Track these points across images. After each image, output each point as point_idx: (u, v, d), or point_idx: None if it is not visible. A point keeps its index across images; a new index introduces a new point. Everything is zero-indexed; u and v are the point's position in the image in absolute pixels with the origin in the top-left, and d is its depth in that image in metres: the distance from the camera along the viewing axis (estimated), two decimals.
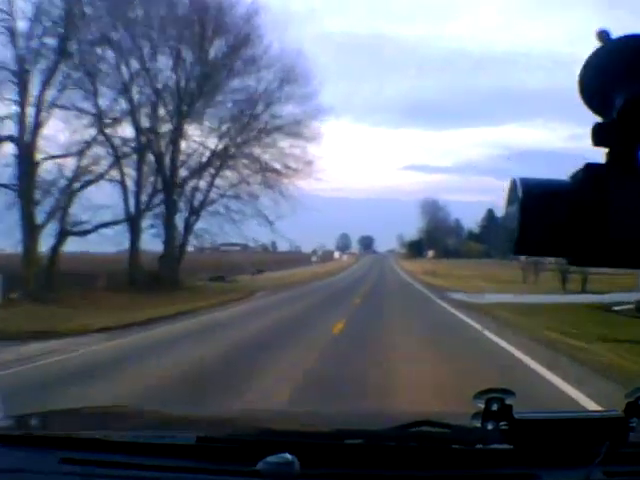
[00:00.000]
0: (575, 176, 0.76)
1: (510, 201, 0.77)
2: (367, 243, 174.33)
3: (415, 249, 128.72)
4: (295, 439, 1.41)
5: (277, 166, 29.34)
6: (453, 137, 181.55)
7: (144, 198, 26.89)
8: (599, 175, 0.73)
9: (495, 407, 1.15)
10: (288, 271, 48.97)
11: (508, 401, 1.16)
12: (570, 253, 0.76)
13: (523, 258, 31.24)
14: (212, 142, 28.49)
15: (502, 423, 1.15)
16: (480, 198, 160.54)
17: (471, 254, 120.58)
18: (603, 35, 0.75)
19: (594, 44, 0.75)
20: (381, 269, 64.10)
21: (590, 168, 0.73)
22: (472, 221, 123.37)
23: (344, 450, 1.32)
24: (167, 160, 27.24)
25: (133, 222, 26.36)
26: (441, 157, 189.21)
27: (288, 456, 1.20)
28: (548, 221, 0.74)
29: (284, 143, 29.25)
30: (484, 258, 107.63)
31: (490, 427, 1.15)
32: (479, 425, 1.16)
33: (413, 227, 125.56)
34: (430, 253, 74.76)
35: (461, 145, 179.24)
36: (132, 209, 26.29)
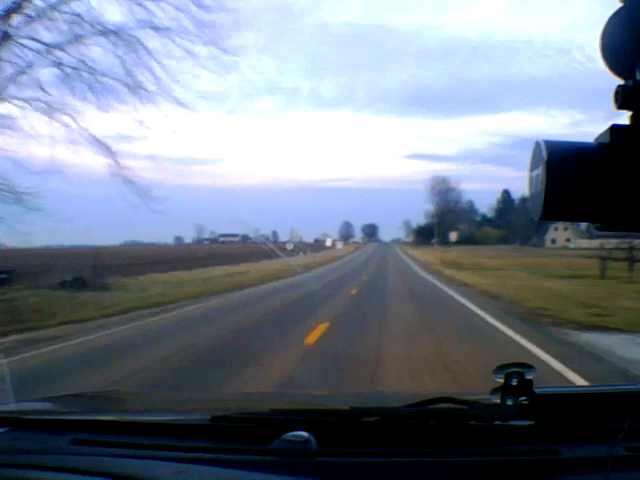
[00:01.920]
0: (600, 139, 0.74)
1: (534, 165, 0.76)
2: (371, 231, 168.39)
3: (424, 236, 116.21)
4: (311, 417, 1.37)
5: None
6: (456, 125, 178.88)
7: None
8: (624, 137, 0.72)
9: (515, 382, 1.14)
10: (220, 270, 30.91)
11: (528, 376, 1.14)
12: (597, 218, 0.74)
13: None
14: None
15: (522, 398, 1.14)
16: (484, 186, 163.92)
17: (487, 240, 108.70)
18: None
19: (615, 4, 0.74)
20: (384, 260, 50.11)
21: (615, 130, 0.73)
22: (480, 208, 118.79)
23: (361, 428, 1.30)
24: None
25: None
26: (444, 145, 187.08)
27: (304, 434, 1.20)
28: (574, 184, 0.72)
29: None
30: (501, 244, 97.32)
31: (509, 402, 1.14)
32: (498, 401, 1.15)
33: (418, 215, 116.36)
34: (453, 235, 61.79)
35: (464, 133, 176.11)
36: None
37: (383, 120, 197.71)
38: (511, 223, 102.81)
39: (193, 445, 1.30)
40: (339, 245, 62.96)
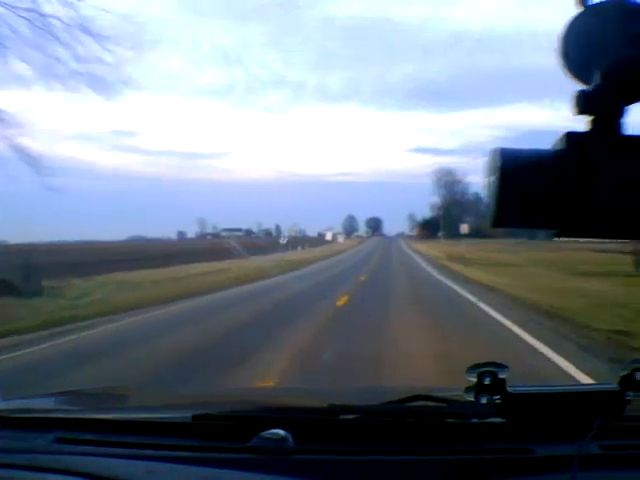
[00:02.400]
0: (556, 145, 0.75)
1: (490, 172, 0.77)
2: (375, 225, 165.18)
3: (429, 229, 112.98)
4: (289, 415, 1.41)
5: None
6: (459, 119, 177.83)
7: None
8: (582, 143, 0.73)
9: (487, 381, 1.15)
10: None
11: (501, 375, 1.16)
12: (555, 225, 0.75)
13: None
14: None
15: (495, 397, 1.16)
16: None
17: (494, 233, 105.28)
18: (582, 0, 0.76)
19: (572, 11, 0.76)
20: (387, 255, 46.38)
21: (572, 136, 0.73)
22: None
23: (339, 425, 1.31)
24: None
25: None
26: (448, 139, 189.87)
27: (281, 432, 1.21)
28: (529, 191, 0.73)
29: None
30: (507, 237, 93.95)
31: (484, 401, 1.16)
32: (473, 399, 1.16)
33: (423, 209, 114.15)
34: (464, 228, 58.46)
35: (467, 127, 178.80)
36: None
37: (387, 114, 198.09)
38: None
39: (174, 443, 1.31)
40: (340, 239, 59.29)
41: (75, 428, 1.45)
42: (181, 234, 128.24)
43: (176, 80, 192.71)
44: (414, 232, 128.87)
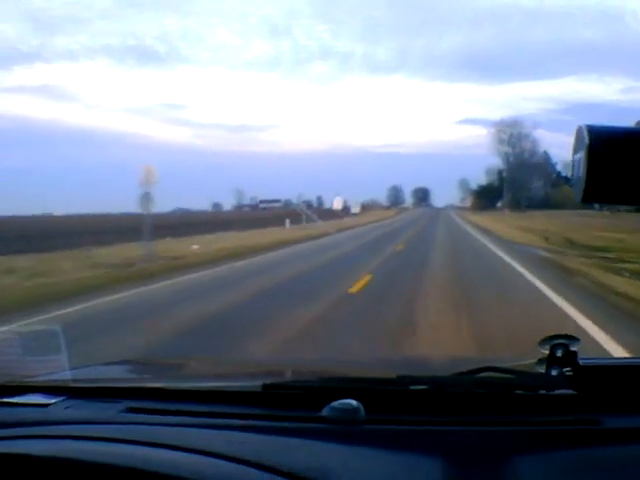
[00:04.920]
0: None
1: (576, 149, 0.79)
2: (422, 196, 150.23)
3: (485, 198, 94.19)
4: (359, 385, 1.43)
5: None
6: (508, 90, 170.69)
7: None
8: None
9: (559, 353, 1.17)
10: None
11: (572, 347, 1.17)
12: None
13: None
14: None
15: (566, 369, 1.17)
16: None
17: (568, 203, 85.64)
18: None
19: None
20: (430, 244, 23.21)
21: None
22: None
23: (408, 396, 1.33)
24: None
25: None
26: (497, 110, 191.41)
27: (353, 402, 1.21)
28: (616, 168, 0.75)
29: None
30: (583, 209, 74.68)
31: (554, 373, 1.18)
32: (543, 371, 1.19)
33: (472, 183, 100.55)
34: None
35: (516, 99, 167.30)
36: None
37: (436, 85, 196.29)
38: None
39: (245, 412, 1.32)
40: (356, 209, 41.51)
41: (145, 397, 1.45)
42: (216, 206, 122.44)
43: (224, 53, 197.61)
44: (466, 203, 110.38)
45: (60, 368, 1.72)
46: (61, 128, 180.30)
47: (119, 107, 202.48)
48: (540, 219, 45.48)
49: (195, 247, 19.51)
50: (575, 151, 0.79)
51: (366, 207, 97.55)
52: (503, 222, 40.83)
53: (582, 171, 0.75)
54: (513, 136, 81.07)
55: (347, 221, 41.15)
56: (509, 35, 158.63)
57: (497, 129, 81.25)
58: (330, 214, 46.07)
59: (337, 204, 36.56)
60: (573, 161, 0.80)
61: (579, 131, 0.77)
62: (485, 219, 49.04)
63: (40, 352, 1.83)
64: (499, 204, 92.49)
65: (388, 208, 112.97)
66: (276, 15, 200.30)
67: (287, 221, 34.74)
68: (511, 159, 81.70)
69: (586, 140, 0.75)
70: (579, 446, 1.15)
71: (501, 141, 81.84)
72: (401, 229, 35.00)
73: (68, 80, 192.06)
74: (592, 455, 1.11)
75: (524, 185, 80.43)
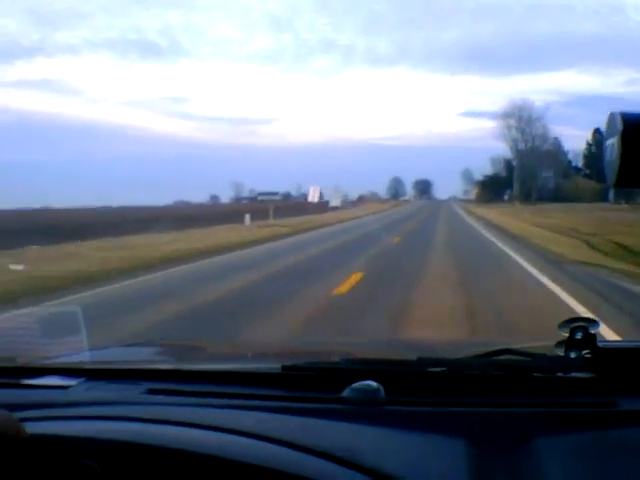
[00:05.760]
0: None
1: (609, 134, 0.82)
2: (423, 188, 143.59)
3: (492, 189, 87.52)
4: (379, 367, 1.43)
5: None
6: (511, 83, 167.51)
7: None
8: None
9: (579, 336, 1.16)
10: None
11: (592, 330, 1.17)
12: None
13: None
14: None
15: (585, 351, 1.17)
16: None
17: (581, 195, 78.88)
18: None
19: None
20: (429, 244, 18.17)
21: None
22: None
23: (427, 378, 1.34)
24: None
25: None
26: (499, 103, 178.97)
27: (373, 383, 1.23)
28: None
29: None
30: (598, 201, 67.95)
31: (573, 355, 1.17)
32: (562, 354, 1.19)
33: (476, 174, 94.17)
34: None
35: (519, 91, 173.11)
36: None
37: (438, 77, 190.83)
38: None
39: (266, 394, 1.33)
40: (335, 202, 34.13)
41: (165, 379, 1.46)
42: (214, 198, 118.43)
43: (226, 46, 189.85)
44: (471, 195, 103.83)
45: (79, 349, 1.73)
46: (63, 122, 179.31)
47: (121, 101, 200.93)
48: (558, 213, 39.36)
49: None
50: (607, 137, 0.82)
51: (362, 199, 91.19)
52: (518, 217, 34.36)
53: (616, 156, 0.78)
54: (522, 120, 73.35)
55: (316, 218, 33.34)
56: (511, 27, 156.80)
57: (504, 114, 73.81)
58: (300, 208, 39.06)
59: (313, 195, 29.26)
60: (605, 146, 0.83)
61: (612, 117, 0.81)
62: (495, 213, 42.30)
63: (59, 333, 1.82)
64: (506, 196, 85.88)
65: (386, 201, 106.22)
66: (278, 8, 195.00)
67: (247, 217, 28.48)
68: (520, 146, 74.09)
69: (619, 126, 0.78)
70: (596, 428, 1.14)
71: (509, 126, 74.13)
72: (387, 229, 25.84)
73: (70, 74, 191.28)
74: (609, 437, 1.11)
75: (535, 175, 73.46)
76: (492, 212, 44.88)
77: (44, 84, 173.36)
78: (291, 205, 46.91)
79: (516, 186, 67.27)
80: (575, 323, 1.16)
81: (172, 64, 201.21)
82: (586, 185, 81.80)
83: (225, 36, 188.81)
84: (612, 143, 0.80)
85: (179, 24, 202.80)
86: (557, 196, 75.48)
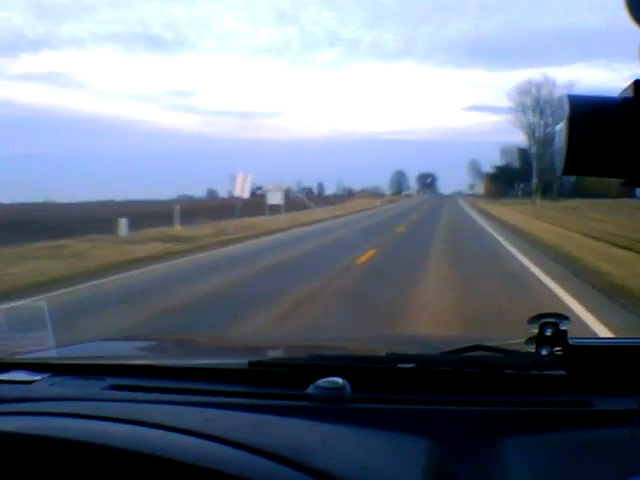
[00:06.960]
0: (623, 93, 0.75)
1: (558, 119, 0.78)
2: (427, 182, 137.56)
3: (502, 183, 76.96)
4: (346, 363, 1.40)
5: None
6: (517, 77, 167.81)
7: None
8: None
9: (549, 332, 1.15)
10: None
11: (562, 326, 1.15)
12: (624, 173, 0.74)
13: None
14: None
15: (556, 349, 1.15)
16: None
17: (604, 190, 68.69)
18: None
19: None
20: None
21: (638, 85, 0.73)
22: None
23: (396, 374, 1.32)
24: None
25: None
26: (505, 97, 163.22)
27: (339, 380, 1.21)
28: (597, 138, 0.73)
29: None
30: (623, 197, 57.17)
31: (544, 352, 1.16)
32: (533, 350, 1.17)
33: (484, 166, 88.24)
34: None
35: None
36: None
37: (443, 71, 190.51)
38: None
39: (230, 390, 1.31)
40: (275, 199, 22.82)
41: (129, 374, 1.44)
42: (211, 192, 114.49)
43: (231, 39, 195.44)
44: (478, 189, 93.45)
45: (46, 345, 1.72)
46: (68, 115, 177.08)
47: (126, 94, 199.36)
48: (592, 213, 30.67)
49: None
50: (556, 122, 0.78)
51: (351, 194, 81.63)
52: (558, 223, 23.59)
53: (563, 142, 0.73)
54: (541, 100, 60.87)
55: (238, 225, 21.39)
56: (516, 21, 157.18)
57: (518, 94, 62.33)
58: (220, 208, 28.50)
59: (241, 188, 18.79)
60: (554, 132, 0.77)
61: (561, 101, 0.76)
62: (517, 215, 31.39)
63: (26, 329, 1.81)
64: (519, 191, 75.42)
65: (383, 197, 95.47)
66: (283, 1, 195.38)
67: (123, 222, 18.30)
68: (538, 133, 61.93)
69: (566, 110, 0.73)
70: (569, 427, 1.15)
71: (524, 108, 61.90)
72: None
73: (75, 67, 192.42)
74: (581, 437, 1.11)
75: (549, 166, 62.65)
76: (512, 213, 33.77)
77: (49, 77, 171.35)
78: (215, 205, 36.98)
79: (535, 179, 56.43)
80: (544, 319, 1.14)
81: (177, 57, 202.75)
82: (610, 179, 72.29)
83: (230, 29, 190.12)
84: (560, 129, 0.74)
85: (184, 17, 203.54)
86: (578, 191, 65.36)
